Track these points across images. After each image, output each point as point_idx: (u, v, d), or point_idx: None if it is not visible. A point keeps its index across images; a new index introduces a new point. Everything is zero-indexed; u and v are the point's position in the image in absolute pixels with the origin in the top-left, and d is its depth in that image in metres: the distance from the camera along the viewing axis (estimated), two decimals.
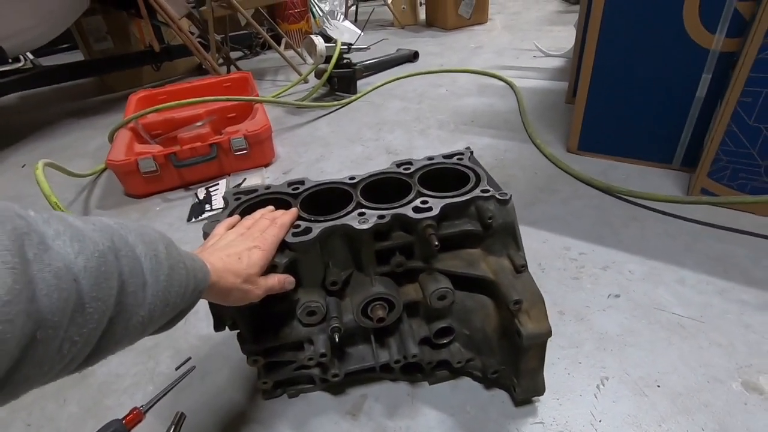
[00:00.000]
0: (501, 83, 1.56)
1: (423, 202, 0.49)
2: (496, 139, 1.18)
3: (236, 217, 0.50)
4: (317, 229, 0.47)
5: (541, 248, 0.78)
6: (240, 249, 0.44)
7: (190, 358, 0.64)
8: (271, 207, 0.52)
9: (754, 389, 0.52)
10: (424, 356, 0.53)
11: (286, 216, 0.49)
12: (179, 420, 0.55)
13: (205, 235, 0.49)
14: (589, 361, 0.57)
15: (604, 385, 0.54)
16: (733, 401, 0.51)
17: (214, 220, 0.51)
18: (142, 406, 0.57)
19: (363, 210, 0.49)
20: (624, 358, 0.57)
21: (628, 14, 0.84)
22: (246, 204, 0.55)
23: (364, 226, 0.47)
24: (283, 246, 0.47)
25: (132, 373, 0.63)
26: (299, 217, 0.50)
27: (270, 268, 0.46)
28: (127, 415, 0.55)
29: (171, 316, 0.34)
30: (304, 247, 0.47)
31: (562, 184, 0.95)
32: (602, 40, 0.90)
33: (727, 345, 0.57)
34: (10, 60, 1.36)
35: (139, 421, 0.55)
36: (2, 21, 1.31)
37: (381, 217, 0.48)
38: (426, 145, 1.18)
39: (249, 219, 0.49)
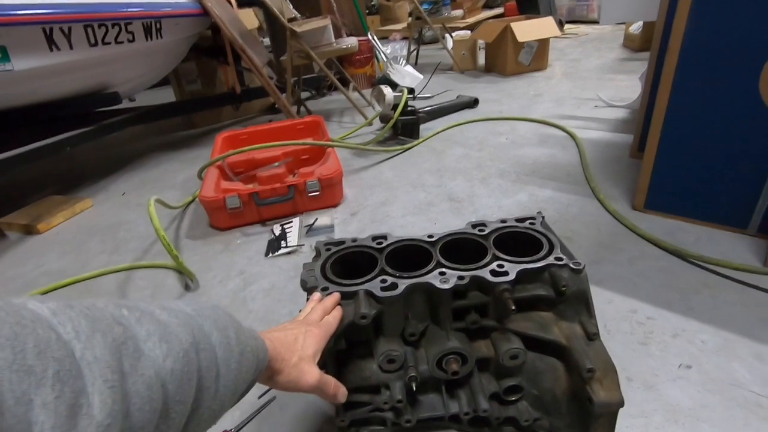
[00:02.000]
0: (562, 133, 1.58)
1: (499, 266, 0.53)
2: (558, 192, 1.20)
3: (319, 295, 0.54)
4: (403, 285, 0.53)
5: (606, 309, 0.79)
6: (297, 331, 0.46)
7: (270, 389, 0.70)
8: (318, 295, 0.53)
9: None
10: (492, 411, 0.56)
11: (336, 312, 0.51)
12: None
13: (304, 284, 0.56)
14: None
15: None
16: None
17: (311, 268, 0.58)
18: (231, 429, 0.63)
19: (444, 270, 0.54)
20: None
21: (702, 75, 0.85)
22: (336, 255, 0.61)
23: (445, 286, 0.52)
24: (371, 297, 0.53)
25: None
26: (384, 272, 0.56)
27: (359, 318, 0.51)
28: None
29: (237, 398, 0.34)
30: (391, 300, 0.53)
31: (627, 243, 0.95)
32: (674, 96, 0.90)
33: None
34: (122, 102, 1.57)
35: None
36: (122, 72, 1.54)
37: (461, 278, 0.52)
38: (487, 194, 1.23)
39: (302, 312, 0.51)
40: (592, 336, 0.51)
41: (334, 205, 1.27)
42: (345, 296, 0.54)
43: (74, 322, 0.21)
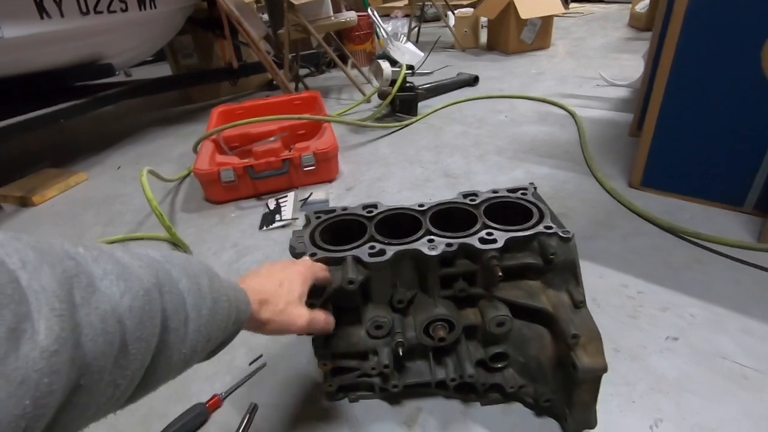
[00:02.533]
0: (562, 112, 1.56)
1: (488, 234, 0.53)
2: (555, 169, 1.19)
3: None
4: (391, 251, 0.53)
5: (598, 283, 0.79)
6: (280, 275, 0.45)
7: (261, 356, 0.71)
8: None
9: None
10: (478, 378, 0.57)
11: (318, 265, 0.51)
12: (253, 410, 0.62)
13: (292, 250, 0.56)
14: (643, 401, 0.58)
15: (657, 427, 0.55)
16: None
17: (300, 235, 0.58)
18: (221, 393, 0.64)
19: (432, 237, 0.54)
20: (680, 403, 0.57)
21: (703, 50, 0.84)
22: (326, 222, 0.61)
23: (433, 253, 0.52)
24: (359, 263, 0.53)
25: (213, 364, 0.69)
26: (374, 239, 0.56)
27: (347, 283, 0.51)
28: (210, 400, 0.63)
29: (213, 348, 0.34)
30: (378, 266, 0.53)
31: (623, 220, 0.95)
32: (674, 74, 0.89)
33: None
34: (116, 74, 1.55)
35: (219, 407, 0.63)
36: (116, 43, 1.51)
37: (449, 245, 0.52)
38: (484, 171, 1.22)
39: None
40: (579, 304, 0.51)
41: (330, 180, 1.26)
42: (333, 262, 0.54)
43: (21, 253, 0.20)
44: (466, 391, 0.59)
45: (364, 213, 0.61)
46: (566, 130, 1.41)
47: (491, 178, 1.18)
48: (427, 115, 1.67)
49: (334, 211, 0.63)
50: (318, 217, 0.62)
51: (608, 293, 0.76)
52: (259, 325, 0.42)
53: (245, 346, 0.73)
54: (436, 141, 1.44)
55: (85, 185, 1.46)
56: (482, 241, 0.52)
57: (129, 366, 0.24)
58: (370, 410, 0.61)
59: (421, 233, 0.55)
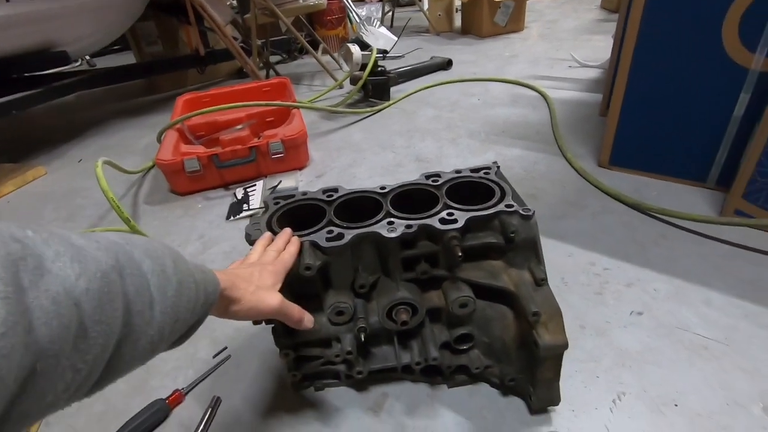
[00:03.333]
0: (534, 93, 1.56)
1: (449, 214, 0.52)
2: (526, 150, 1.18)
3: (270, 235, 0.52)
4: (349, 235, 0.51)
5: (566, 262, 0.79)
6: (252, 269, 0.45)
7: (226, 348, 0.69)
8: (269, 235, 0.52)
9: None
10: (444, 360, 0.56)
11: (292, 246, 0.50)
12: (215, 403, 0.60)
13: (248, 236, 0.54)
14: (606, 375, 0.58)
15: (620, 400, 0.55)
16: (753, 426, 0.51)
17: (256, 222, 0.56)
18: (183, 388, 0.62)
19: (392, 219, 0.52)
20: (643, 376, 0.58)
21: (665, 29, 0.84)
22: (285, 208, 0.59)
23: (392, 235, 0.50)
24: (316, 248, 0.51)
25: (174, 357, 0.69)
26: (332, 223, 0.54)
27: (304, 269, 0.50)
28: (170, 396, 0.60)
29: (182, 331, 0.33)
30: (336, 251, 0.51)
31: (592, 199, 0.95)
32: (638, 54, 0.89)
33: (752, 370, 0.57)
34: (72, 62, 1.47)
35: (180, 402, 0.61)
36: (68, 28, 1.43)
37: (409, 227, 0.51)
38: (456, 154, 1.21)
39: (253, 253, 0.50)
40: (540, 282, 0.50)
41: (300, 168, 1.23)
42: None
43: None
44: (432, 374, 0.59)
45: (323, 197, 0.59)
46: (538, 112, 1.41)
47: (462, 161, 1.17)
48: (400, 99, 1.64)
49: (293, 196, 0.61)
50: (276, 203, 0.60)
51: (576, 272, 0.76)
52: (229, 306, 0.41)
53: (209, 338, 0.71)
54: (409, 125, 1.42)
55: (44, 179, 1.40)
56: (442, 221, 0.51)
57: (89, 350, 0.23)
58: (336, 398, 0.60)
59: (381, 216, 0.54)
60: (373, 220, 0.53)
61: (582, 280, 0.75)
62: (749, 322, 0.63)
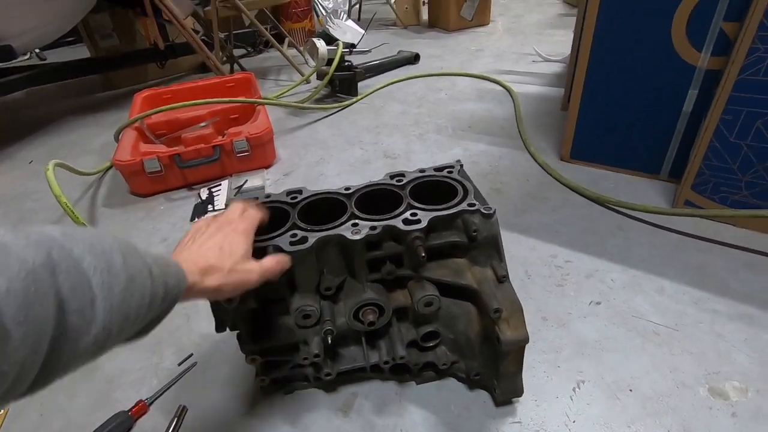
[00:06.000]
0: (500, 88, 1.58)
1: (412, 215, 0.52)
2: (491, 145, 1.21)
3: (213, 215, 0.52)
4: (313, 238, 0.51)
5: (529, 255, 0.81)
6: (217, 239, 0.43)
7: (192, 355, 0.68)
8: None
9: (720, 395, 0.55)
10: (411, 358, 0.57)
11: (257, 208, 0.50)
12: (181, 413, 0.59)
13: None
14: (567, 365, 0.61)
15: (579, 388, 0.58)
16: (699, 406, 0.54)
17: None
18: (146, 399, 0.60)
19: (356, 221, 0.52)
20: (600, 363, 0.60)
21: (620, 25, 0.86)
22: None
23: (357, 237, 0.50)
24: (280, 252, 0.50)
25: (137, 368, 0.67)
26: (296, 226, 0.53)
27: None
28: (133, 407, 0.59)
29: (138, 327, 0.33)
30: (301, 255, 0.51)
31: (553, 193, 0.98)
32: (595, 49, 0.92)
33: (698, 353, 0.61)
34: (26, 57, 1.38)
35: (144, 413, 0.59)
36: (12, 20, 1.34)
37: (373, 228, 0.51)
38: (423, 150, 1.22)
39: (219, 214, 0.49)
40: (502, 279, 0.52)
41: (267, 166, 1.21)
42: (253, 254, 0.51)
43: None
44: (400, 372, 0.59)
45: (287, 200, 0.59)
46: (503, 107, 1.43)
47: (430, 157, 1.18)
48: (368, 95, 1.63)
49: (256, 199, 0.60)
50: None
51: (538, 264, 0.79)
52: (212, 294, 0.40)
53: (174, 346, 0.70)
54: (377, 121, 1.42)
55: None
56: (406, 222, 0.51)
57: (15, 353, 0.22)
58: (305, 401, 0.60)
59: (345, 218, 0.54)
60: (338, 222, 0.53)
61: (544, 272, 0.77)
62: (696, 308, 0.67)
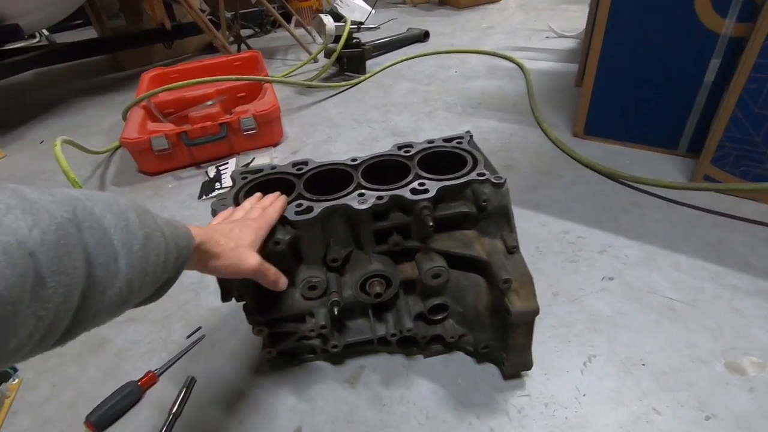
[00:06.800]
0: (511, 65, 1.54)
1: (420, 184, 0.51)
2: (502, 122, 1.18)
3: (260, 195, 0.53)
4: (318, 208, 0.50)
5: (540, 231, 0.79)
6: (232, 224, 0.45)
7: (200, 328, 0.68)
8: (259, 194, 0.53)
9: (737, 370, 0.54)
10: (419, 331, 0.56)
11: (278, 203, 0.50)
12: (190, 383, 0.59)
13: (214, 213, 0.52)
14: (578, 339, 0.59)
15: (591, 362, 0.56)
16: (716, 381, 0.53)
17: (222, 198, 0.54)
18: (156, 369, 0.61)
19: (362, 191, 0.51)
20: (612, 338, 0.59)
21: None
22: (252, 183, 0.57)
23: (363, 207, 0.49)
24: (285, 223, 0.50)
25: (147, 341, 0.67)
26: (302, 196, 0.52)
27: (273, 244, 0.49)
28: (143, 377, 0.59)
29: (155, 286, 0.34)
30: (306, 224, 0.50)
31: (566, 169, 0.96)
32: (611, 23, 0.88)
33: (715, 328, 0.59)
34: (26, 37, 1.38)
35: (154, 384, 0.60)
36: (17, 1, 1.33)
37: (379, 198, 0.50)
38: (432, 128, 1.19)
39: (240, 210, 0.50)
40: (512, 249, 0.50)
41: (274, 144, 1.20)
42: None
43: None
44: (408, 345, 0.59)
45: (293, 171, 0.58)
46: (515, 83, 1.40)
47: (439, 134, 1.14)
48: (376, 73, 1.60)
49: (261, 170, 0.59)
50: (244, 178, 0.58)
51: (550, 240, 0.77)
52: (210, 260, 0.41)
53: (183, 319, 0.70)
54: (385, 99, 1.40)
55: (2, 162, 1.33)
56: (414, 191, 0.50)
57: (51, 298, 0.24)
58: (312, 373, 0.60)
59: (351, 188, 0.52)
60: (343, 192, 0.52)
61: (556, 248, 0.75)
62: (714, 284, 0.65)
